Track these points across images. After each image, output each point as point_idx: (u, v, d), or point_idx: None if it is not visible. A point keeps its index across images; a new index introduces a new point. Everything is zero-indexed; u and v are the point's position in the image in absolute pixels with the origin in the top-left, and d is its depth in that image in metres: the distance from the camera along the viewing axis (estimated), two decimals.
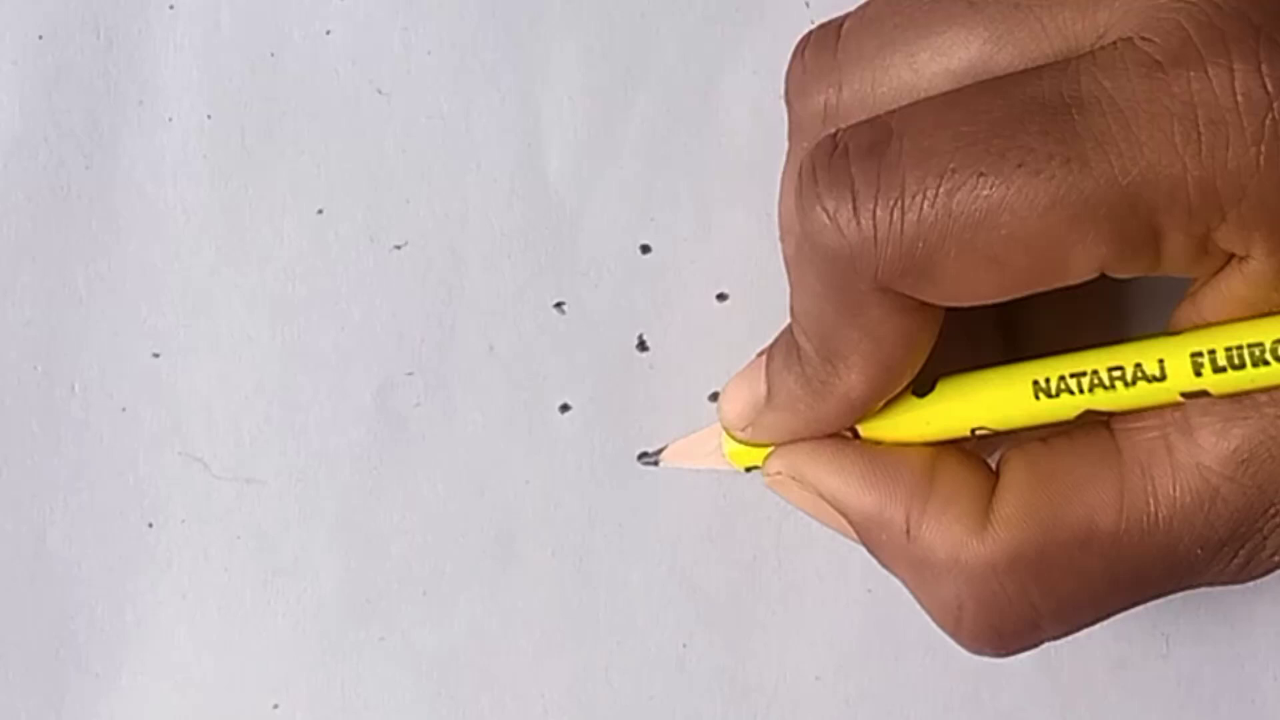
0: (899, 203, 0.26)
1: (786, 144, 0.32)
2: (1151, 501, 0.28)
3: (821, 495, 0.31)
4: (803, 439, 0.31)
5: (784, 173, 0.32)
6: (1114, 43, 0.26)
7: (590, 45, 0.36)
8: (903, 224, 0.26)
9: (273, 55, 0.36)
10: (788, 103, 0.31)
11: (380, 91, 0.36)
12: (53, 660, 0.36)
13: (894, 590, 0.37)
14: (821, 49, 0.30)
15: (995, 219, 0.26)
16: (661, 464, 0.36)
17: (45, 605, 0.36)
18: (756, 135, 0.36)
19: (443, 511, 0.36)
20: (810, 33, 0.31)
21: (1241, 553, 0.28)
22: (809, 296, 0.29)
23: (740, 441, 0.33)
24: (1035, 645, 0.30)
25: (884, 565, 0.31)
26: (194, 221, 0.36)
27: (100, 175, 0.35)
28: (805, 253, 0.28)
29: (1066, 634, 0.30)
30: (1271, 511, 0.28)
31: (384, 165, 0.36)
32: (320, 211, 0.36)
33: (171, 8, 0.35)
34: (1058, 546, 0.28)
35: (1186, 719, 0.37)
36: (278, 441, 0.36)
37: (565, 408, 0.36)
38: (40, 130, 0.35)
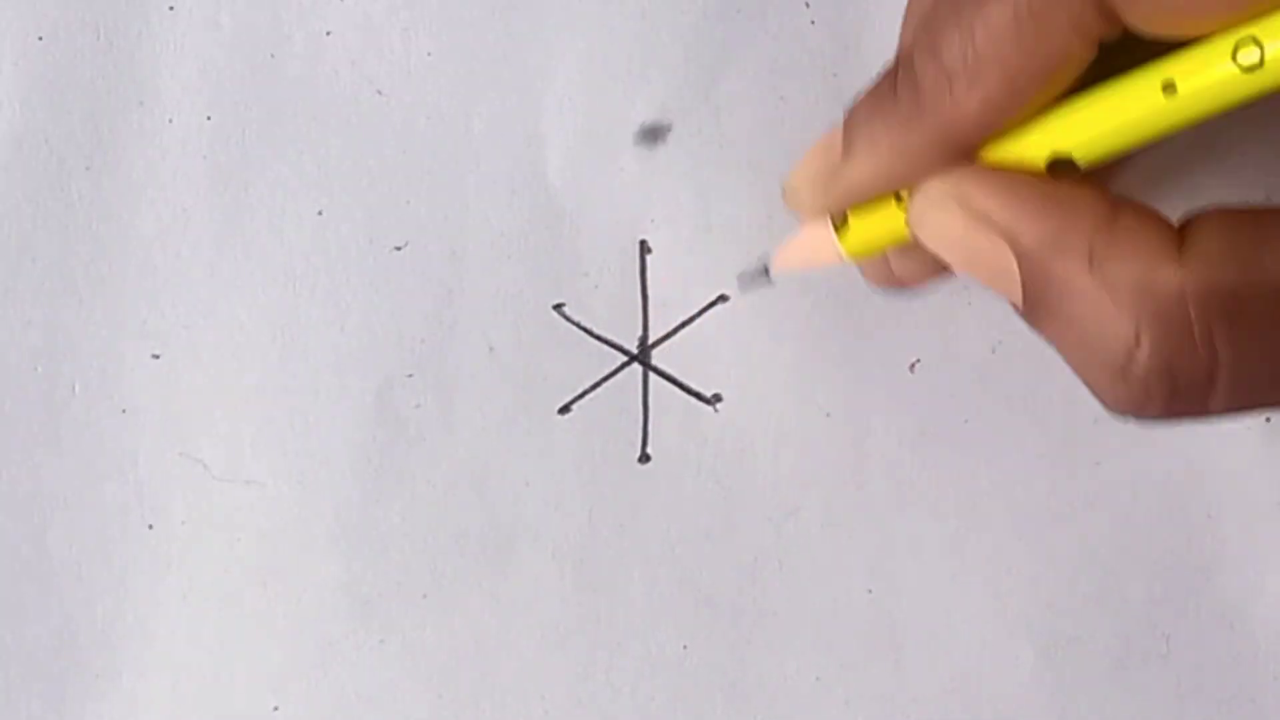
0: None
1: None
2: None
3: (991, 219, 0.28)
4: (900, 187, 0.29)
5: None
6: None
7: (590, 45, 0.36)
8: None
9: (273, 56, 0.36)
10: None
11: (380, 92, 0.36)
12: (53, 660, 0.36)
13: (894, 590, 0.37)
14: None
15: None
16: (774, 276, 0.33)
17: (45, 605, 0.36)
18: (756, 135, 0.36)
19: (443, 513, 0.36)
20: None
21: None
22: None
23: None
24: (1197, 413, 0.28)
25: (1033, 318, 0.29)
26: (194, 221, 0.36)
27: (100, 175, 0.35)
28: None
29: (1233, 409, 0.28)
30: None
31: (384, 166, 0.36)
32: (320, 212, 0.36)
33: (171, 9, 0.35)
34: (1255, 290, 0.26)
35: (1186, 719, 0.37)
36: (278, 443, 0.36)
37: (565, 409, 0.36)
38: (40, 130, 0.35)
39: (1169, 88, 0.26)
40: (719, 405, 0.37)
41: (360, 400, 0.36)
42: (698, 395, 0.36)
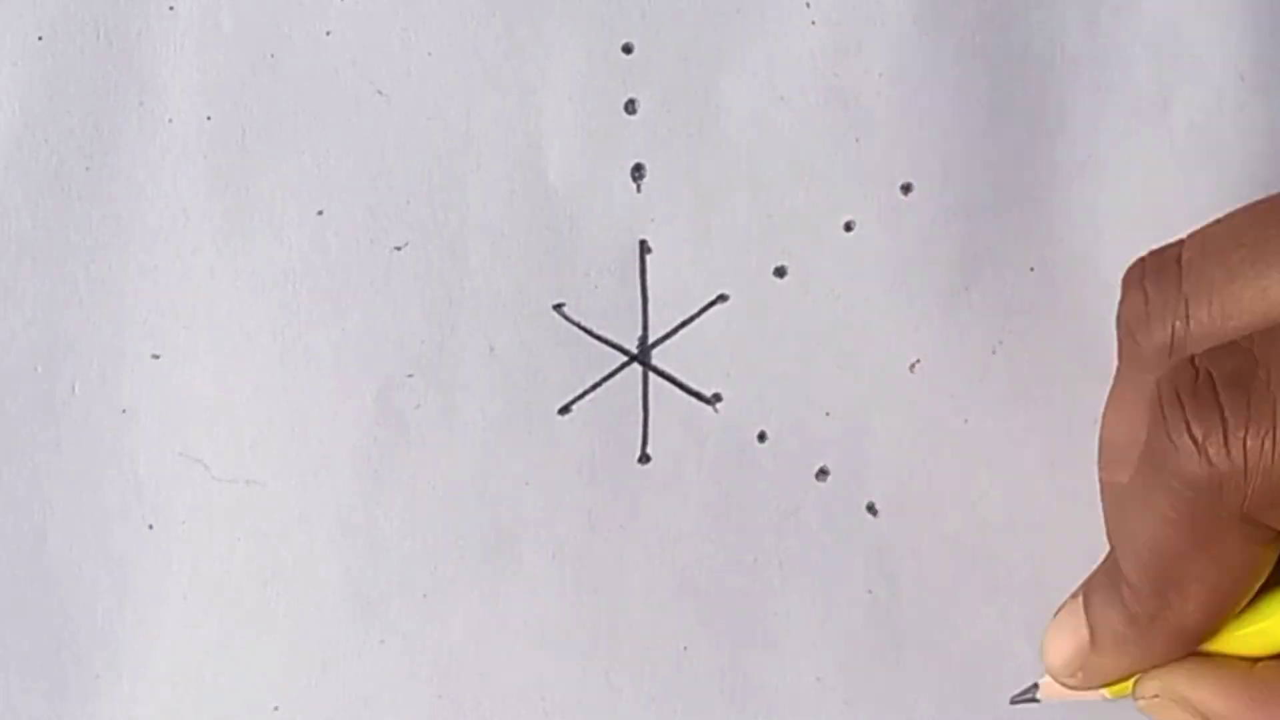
0: (1271, 433, 0.26)
1: (1115, 369, 0.32)
2: None
3: (1207, 714, 0.31)
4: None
5: (1110, 399, 0.32)
6: None
7: (590, 45, 0.36)
8: (1274, 454, 0.26)
9: (273, 56, 0.36)
10: (1125, 332, 0.31)
11: (380, 92, 0.36)
12: (53, 660, 0.36)
13: (894, 590, 0.37)
14: (1163, 280, 0.30)
15: None
16: (1041, 699, 0.35)
17: (45, 605, 0.36)
18: (756, 135, 0.36)
19: (443, 513, 0.36)
20: (1143, 261, 0.31)
21: None
22: (1153, 524, 0.29)
23: (1070, 688, 0.33)
24: None
25: None
26: (194, 221, 0.36)
27: (100, 175, 0.35)
28: (1158, 480, 0.28)
29: None
30: None
31: (384, 165, 0.36)
32: (320, 212, 0.36)
33: (172, 8, 0.35)
34: None
35: None
36: (278, 443, 0.36)
37: (565, 409, 0.36)
38: (40, 130, 0.35)
39: None
40: (719, 405, 0.37)
41: (360, 400, 0.36)
42: (698, 395, 0.36)
